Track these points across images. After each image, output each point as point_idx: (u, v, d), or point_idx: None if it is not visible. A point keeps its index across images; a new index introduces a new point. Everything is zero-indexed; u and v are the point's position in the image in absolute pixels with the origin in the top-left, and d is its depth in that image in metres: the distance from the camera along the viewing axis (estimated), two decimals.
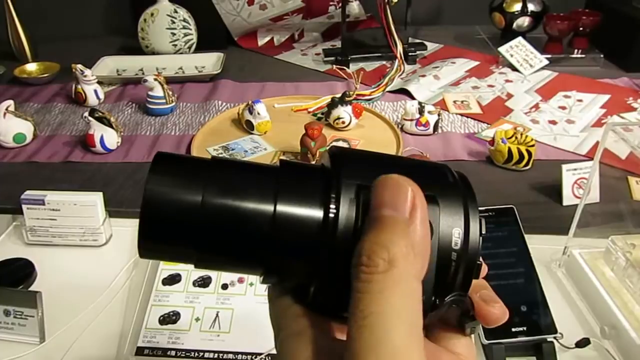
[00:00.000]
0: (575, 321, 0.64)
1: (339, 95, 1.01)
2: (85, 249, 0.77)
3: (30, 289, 0.70)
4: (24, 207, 0.76)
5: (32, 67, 1.31)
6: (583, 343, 0.60)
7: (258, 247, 0.22)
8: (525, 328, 0.59)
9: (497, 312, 0.24)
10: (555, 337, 0.59)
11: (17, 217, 0.80)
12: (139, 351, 0.59)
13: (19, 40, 1.38)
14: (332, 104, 1.01)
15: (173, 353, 0.59)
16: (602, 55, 1.35)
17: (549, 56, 1.32)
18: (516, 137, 0.90)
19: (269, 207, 0.22)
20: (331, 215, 0.22)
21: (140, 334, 0.60)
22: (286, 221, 0.22)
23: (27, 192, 0.77)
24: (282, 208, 0.22)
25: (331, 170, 0.23)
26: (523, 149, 0.88)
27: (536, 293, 0.62)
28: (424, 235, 0.22)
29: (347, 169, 0.23)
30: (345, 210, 0.22)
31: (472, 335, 0.25)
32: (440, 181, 0.24)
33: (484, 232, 0.24)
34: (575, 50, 1.38)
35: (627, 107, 1.14)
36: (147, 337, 0.60)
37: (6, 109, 0.96)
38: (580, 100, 1.16)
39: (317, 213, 0.22)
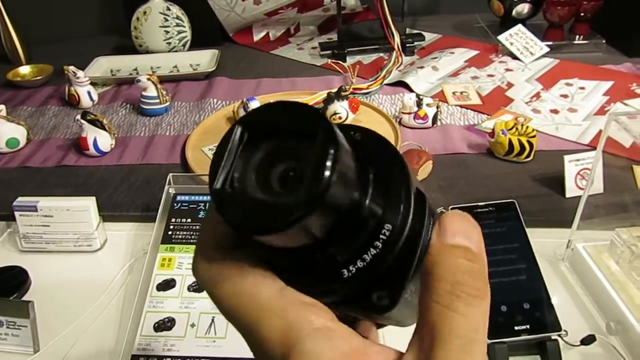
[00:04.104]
0: (580, 317, 0.63)
1: (335, 90, 1.00)
2: (80, 255, 0.76)
3: (25, 297, 0.69)
4: (17, 214, 0.75)
5: (25, 69, 1.30)
6: (588, 340, 0.58)
7: None
8: (528, 326, 0.58)
9: None
10: (559, 335, 0.57)
11: (11, 224, 0.79)
12: None
13: (12, 43, 1.37)
14: (328, 99, 0.99)
15: None
16: (604, 41, 1.32)
17: (549, 43, 1.29)
18: (517, 128, 0.88)
19: None
20: None
21: (134, 342, 0.59)
22: None
23: (19, 198, 0.76)
24: None
25: None
26: (524, 140, 0.86)
27: (539, 289, 0.61)
28: None
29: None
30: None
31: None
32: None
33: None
34: (577, 37, 1.35)
35: (631, 93, 1.11)
36: (142, 345, 0.59)
37: None
38: (582, 88, 1.14)
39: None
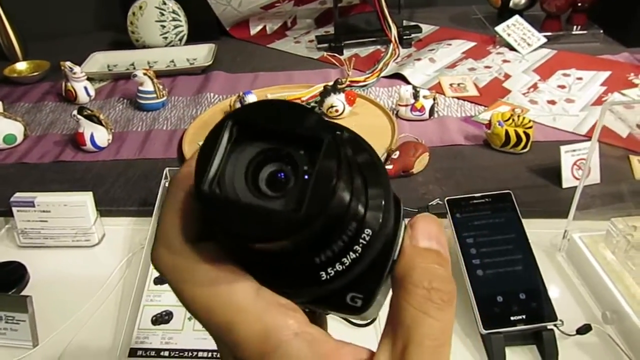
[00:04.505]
0: (576, 307, 0.63)
1: (331, 83, 0.99)
2: (78, 250, 0.76)
3: (23, 291, 0.70)
4: (14, 209, 0.75)
5: (22, 66, 1.30)
6: (584, 329, 0.58)
7: None
8: (524, 316, 0.58)
9: None
10: (555, 325, 0.57)
11: (9, 220, 0.80)
12: (132, 353, 0.58)
13: (9, 39, 1.37)
14: (325, 93, 0.99)
15: (166, 353, 0.58)
16: (601, 31, 1.31)
17: (547, 34, 1.28)
18: (513, 120, 0.88)
19: None
20: None
21: (132, 335, 0.60)
22: None
23: (17, 194, 0.76)
24: None
25: None
26: (520, 131, 0.86)
27: (535, 280, 0.61)
28: None
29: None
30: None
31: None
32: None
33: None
34: (574, 27, 1.34)
35: (629, 83, 1.11)
36: (140, 338, 0.59)
37: None
38: (580, 79, 1.13)
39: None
